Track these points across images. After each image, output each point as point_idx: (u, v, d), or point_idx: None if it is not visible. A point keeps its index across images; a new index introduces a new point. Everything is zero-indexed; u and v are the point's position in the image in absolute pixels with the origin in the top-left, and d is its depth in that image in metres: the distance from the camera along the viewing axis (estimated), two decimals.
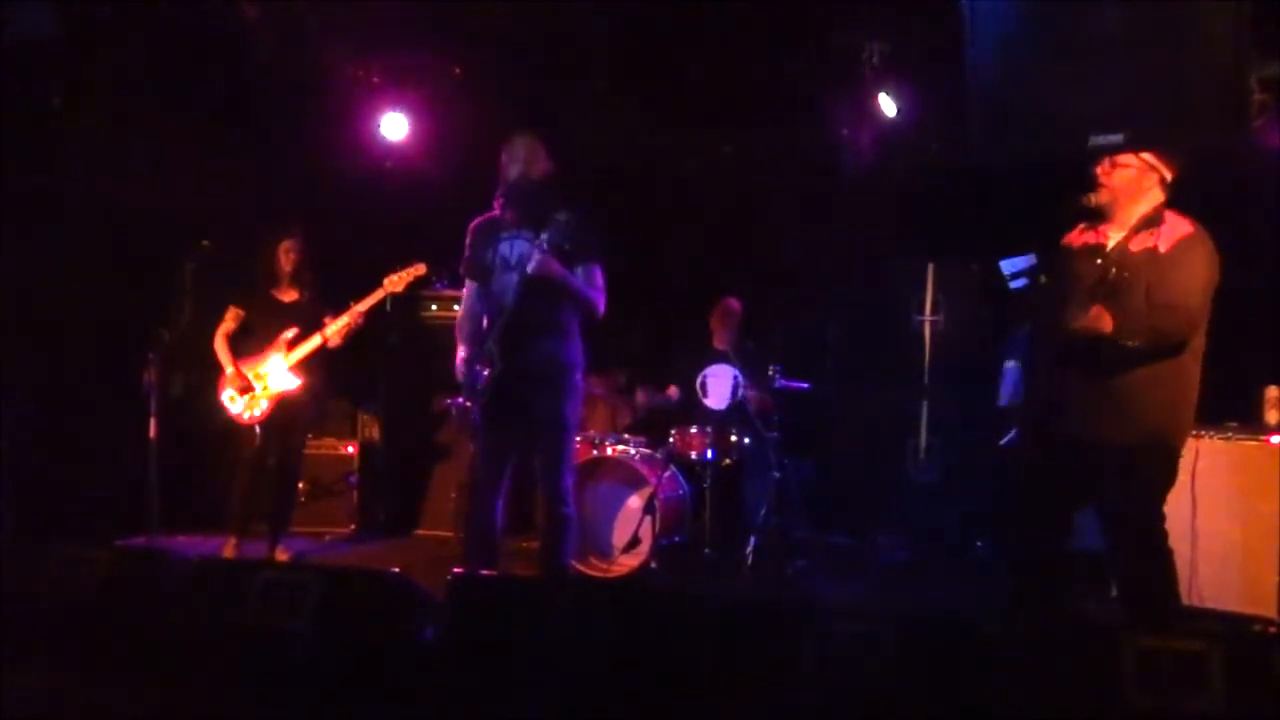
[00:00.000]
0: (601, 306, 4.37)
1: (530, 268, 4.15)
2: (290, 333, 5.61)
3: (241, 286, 5.75)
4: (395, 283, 5.60)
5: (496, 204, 4.37)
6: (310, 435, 6.70)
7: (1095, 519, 3.83)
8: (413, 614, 3.26)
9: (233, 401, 5.63)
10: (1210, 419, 4.72)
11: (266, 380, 5.61)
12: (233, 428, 5.73)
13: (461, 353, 4.46)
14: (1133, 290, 3.55)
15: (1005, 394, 3.91)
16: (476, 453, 4.49)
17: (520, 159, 4.31)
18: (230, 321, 5.72)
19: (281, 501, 5.85)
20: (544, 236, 4.17)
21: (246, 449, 5.73)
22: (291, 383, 5.61)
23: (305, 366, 5.64)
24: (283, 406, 5.63)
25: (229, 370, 5.62)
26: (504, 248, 4.35)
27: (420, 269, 5.64)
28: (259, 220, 5.88)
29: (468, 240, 4.49)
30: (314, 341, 5.59)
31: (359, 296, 5.64)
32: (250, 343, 5.71)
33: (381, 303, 5.90)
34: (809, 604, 5.28)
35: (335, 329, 5.57)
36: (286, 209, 6.08)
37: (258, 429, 5.67)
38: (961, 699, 2.76)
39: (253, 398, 5.61)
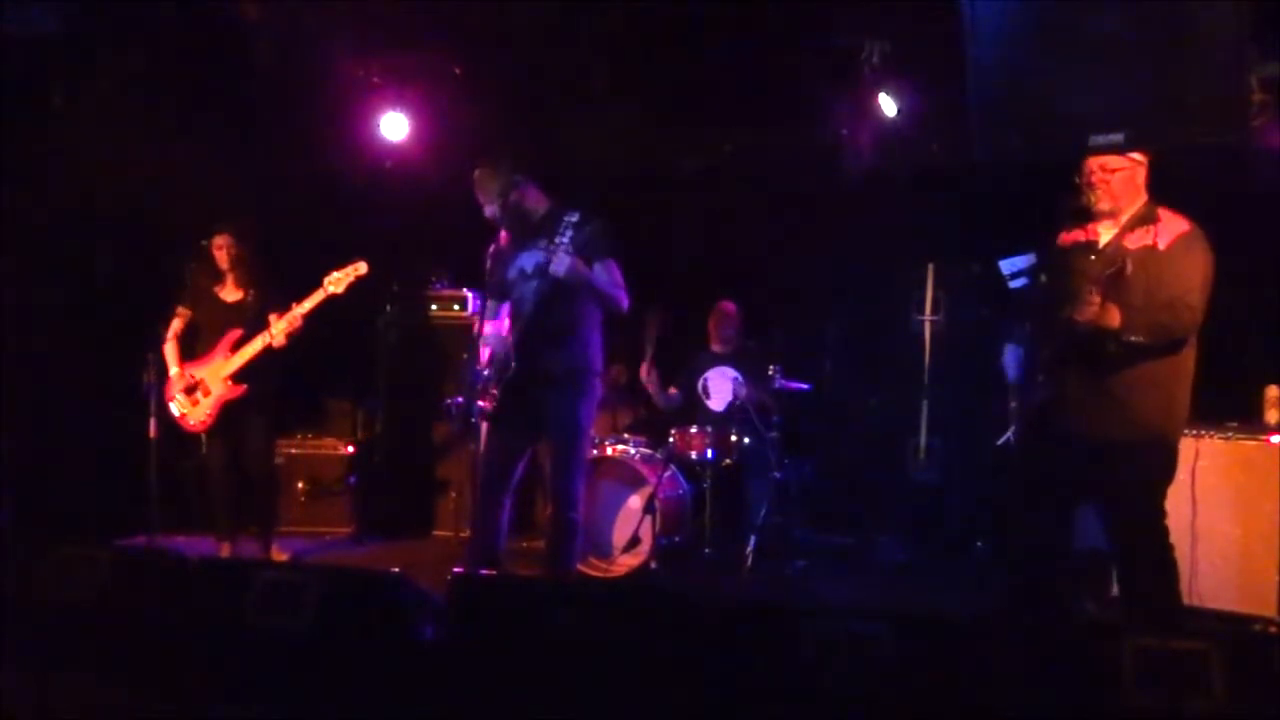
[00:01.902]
0: (625, 302, 4.35)
1: (557, 270, 4.08)
2: (235, 335, 5.45)
3: (187, 286, 5.59)
4: (336, 282, 5.40)
5: (502, 237, 4.37)
6: (308, 436, 6.74)
7: (1095, 519, 3.84)
8: (413, 614, 3.26)
9: (179, 406, 5.44)
10: (1210, 419, 4.72)
11: (210, 385, 5.43)
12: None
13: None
14: (1133, 287, 3.56)
15: (1010, 370, 3.95)
16: (483, 454, 4.47)
17: (493, 192, 4.27)
18: (178, 321, 5.56)
19: (262, 508, 5.76)
20: (562, 240, 4.11)
21: (203, 457, 5.63)
22: (235, 389, 5.43)
23: (251, 369, 5.43)
24: (230, 413, 5.45)
25: (173, 372, 5.46)
26: (522, 261, 4.34)
27: (361, 268, 5.44)
28: (260, 219, 5.84)
29: (487, 265, 4.49)
30: (258, 344, 5.40)
31: (362, 297, 5.61)
32: (197, 344, 5.55)
33: (383, 302, 5.89)
34: (809, 604, 5.29)
35: (279, 329, 5.38)
36: (280, 207, 6.07)
37: (204, 437, 5.51)
38: (961, 699, 2.76)
39: (196, 404, 5.43)
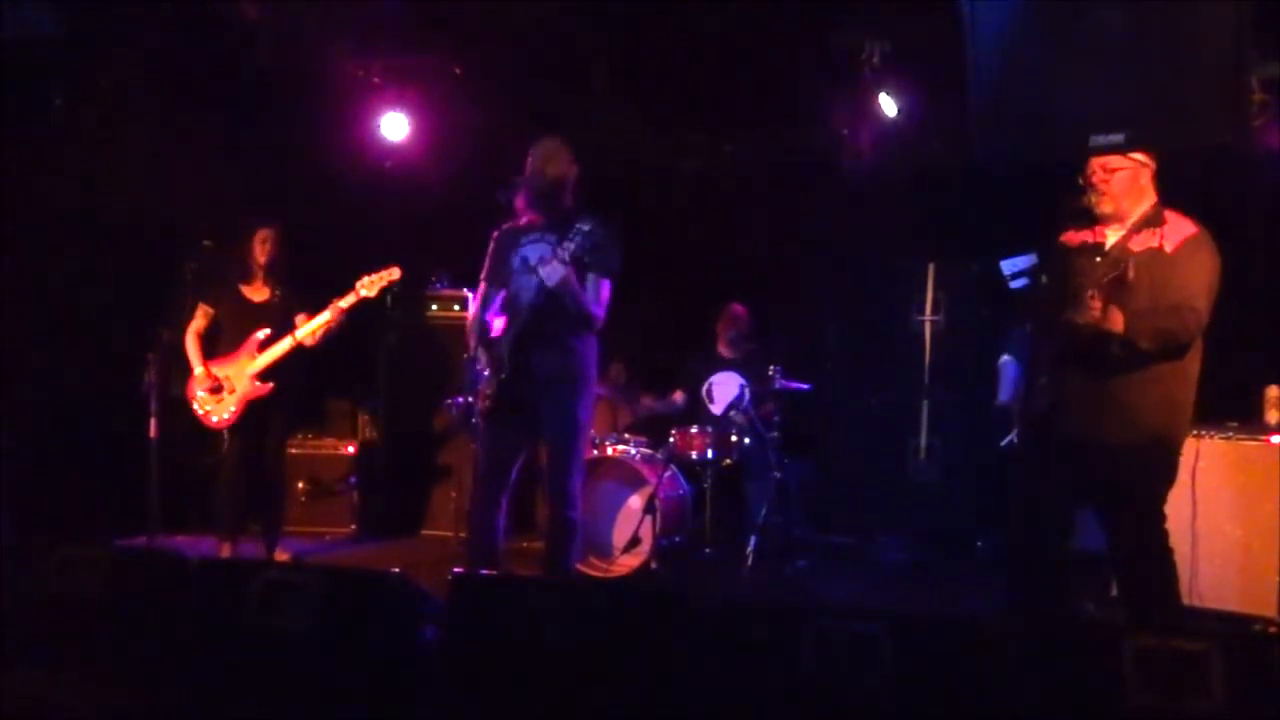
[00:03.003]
0: (599, 321, 4.35)
1: (549, 280, 4.10)
2: (262, 334, 5.46)
3: (211, 283, 5.57)
4: (368, 285, 5.44)
5: (518, 204, 4.37)
6: (308, 436, 6.75)
7: (1095, 519, 3.83)
8: (413, 614, 3.26)
9: (201, 404, 5.45)
10: (1210, 419, 4.72)
11: (235, 383, 5.44)
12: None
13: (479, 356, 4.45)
14: (1138, 290, 3.55)
15: (1004, 391, 3.93)
16: (481, 453, 4.47)
17: (538, 159, 4.31)
18: (200, 319, 5.54)
19: (271, 507, 5.75)
20: (569, 244, 4.11)
21: (222, 454, 5.61)
22: (261, 387, 5.44)
23: (277, 369, 5.45)
24: (253, 411, 5.46)
25: (198, 371, 5.45)
26: (526, 251, 4.33)
27: (394, 273, 5.47)
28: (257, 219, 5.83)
29: (491, 247, 4.47)
30: (285, 344, 5.42)
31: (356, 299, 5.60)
32: (220, 342, 5.55)
33: (383, 302, 5.87)
34: (809, 604, 5.29)
35: (308, 330, 5.42)
36: (282, 207, 6.06)
37: (225, 434, 5.52)
38: (961, 699, 2.76)
39: (220, 401, 5.43)
